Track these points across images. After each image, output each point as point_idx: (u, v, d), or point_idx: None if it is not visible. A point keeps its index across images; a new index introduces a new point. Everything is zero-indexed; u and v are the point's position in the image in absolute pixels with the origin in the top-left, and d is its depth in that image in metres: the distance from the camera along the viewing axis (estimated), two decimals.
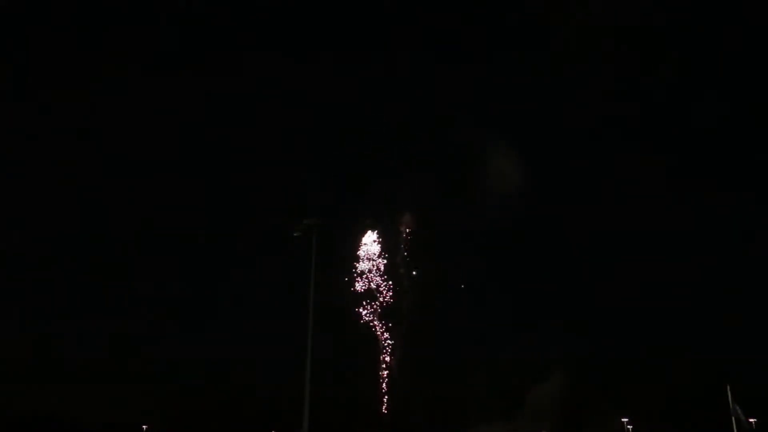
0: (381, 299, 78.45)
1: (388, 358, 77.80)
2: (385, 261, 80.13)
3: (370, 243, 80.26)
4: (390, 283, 79.00)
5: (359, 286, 78.86)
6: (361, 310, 77.72)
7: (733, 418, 56.50)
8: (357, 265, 79.70)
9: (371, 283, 78.65)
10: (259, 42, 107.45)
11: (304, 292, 33.96)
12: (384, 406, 75.81)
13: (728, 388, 56.79)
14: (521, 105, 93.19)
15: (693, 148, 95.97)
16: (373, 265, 79.39)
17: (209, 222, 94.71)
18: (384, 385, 76.38)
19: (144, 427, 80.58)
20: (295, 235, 34.11)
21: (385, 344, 77.48)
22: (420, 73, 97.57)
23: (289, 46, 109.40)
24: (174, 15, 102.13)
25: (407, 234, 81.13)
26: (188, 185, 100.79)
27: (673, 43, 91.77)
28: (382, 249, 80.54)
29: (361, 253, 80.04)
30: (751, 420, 64.91)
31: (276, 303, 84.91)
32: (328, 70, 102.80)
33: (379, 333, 77.49)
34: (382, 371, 76.50)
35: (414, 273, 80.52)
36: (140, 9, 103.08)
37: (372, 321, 77.39)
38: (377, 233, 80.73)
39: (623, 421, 76.15)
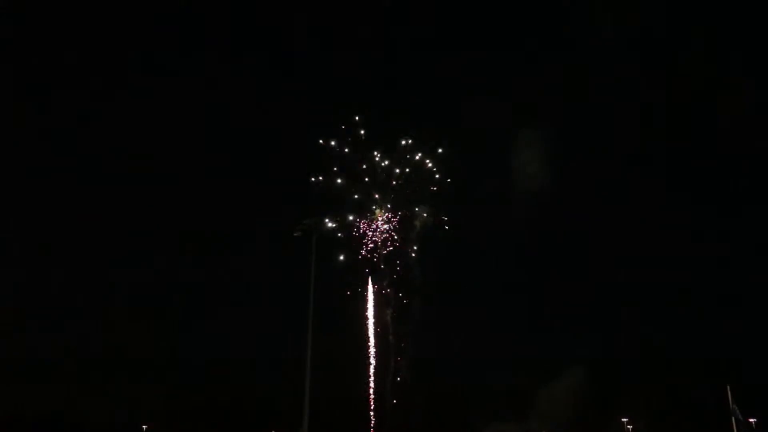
0: (390, 296, 76.89)
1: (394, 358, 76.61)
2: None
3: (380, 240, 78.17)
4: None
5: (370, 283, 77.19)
6: (369, 315, 76.23)
7: (733, 418, 56.58)
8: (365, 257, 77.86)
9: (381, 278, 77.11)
10: (257, 43, 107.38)
11: (305, 291, 34.00)
12: (388, 406, 75.18)
13: (728, 388, 56.86)
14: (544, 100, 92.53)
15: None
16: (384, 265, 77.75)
17: (209, 221, 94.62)
18: (389, 385, 75.52)
19: (144, 427, 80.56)
20: (295, 234, 34.17)
21: (395, 344, 76.26)
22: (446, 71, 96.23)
23: (287, 45, 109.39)
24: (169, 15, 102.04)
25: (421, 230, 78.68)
26: (187, 184, 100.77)
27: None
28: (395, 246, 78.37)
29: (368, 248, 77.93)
30: (751, 420, 64.99)
31: (277, 303, 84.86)
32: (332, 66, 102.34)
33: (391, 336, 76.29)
34: (388, 372, 75.59)
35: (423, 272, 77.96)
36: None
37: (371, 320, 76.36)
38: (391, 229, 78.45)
39: (623, 421, 76.19)
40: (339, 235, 75.81)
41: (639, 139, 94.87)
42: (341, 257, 75.19)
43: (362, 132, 77.18)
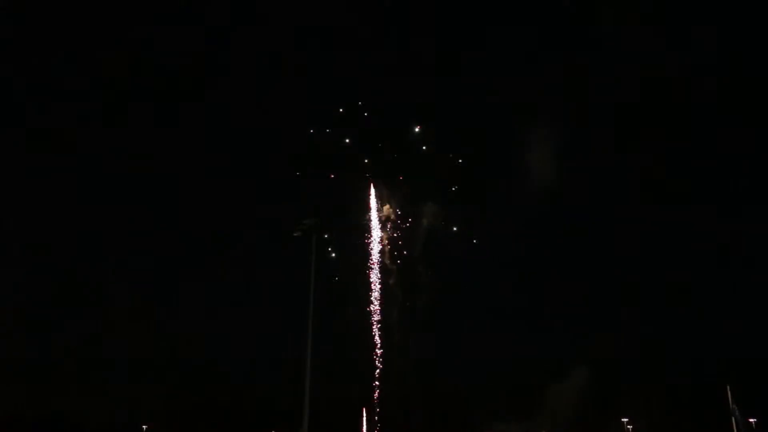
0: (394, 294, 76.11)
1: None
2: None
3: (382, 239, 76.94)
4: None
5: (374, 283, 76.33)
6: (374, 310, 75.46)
7: (733, 418, 56.68)
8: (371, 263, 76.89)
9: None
10: (257, 43, 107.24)
11: (305, 291, 33.97)
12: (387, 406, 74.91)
13: (728, 388, 56.97)
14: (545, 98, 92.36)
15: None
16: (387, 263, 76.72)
17: (209, 221, 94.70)
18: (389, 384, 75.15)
19: (144, 427, 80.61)
20: (295, 235, 34.12)
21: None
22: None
23: (287, 45, 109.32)
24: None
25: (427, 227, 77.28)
26: (188, 183, 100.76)
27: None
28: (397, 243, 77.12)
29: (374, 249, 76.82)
30: (751, 420, 65.07)
31: (277, 303, 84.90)
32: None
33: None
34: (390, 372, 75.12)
35: (429, 272, 75.89)
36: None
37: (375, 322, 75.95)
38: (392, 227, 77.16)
39: (623, 421, 76.20)
40: (331, 252, 72.32)
41: (639, 139, 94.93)
42: (336, 278, 72.96)
43: (365, 114, 72.32)
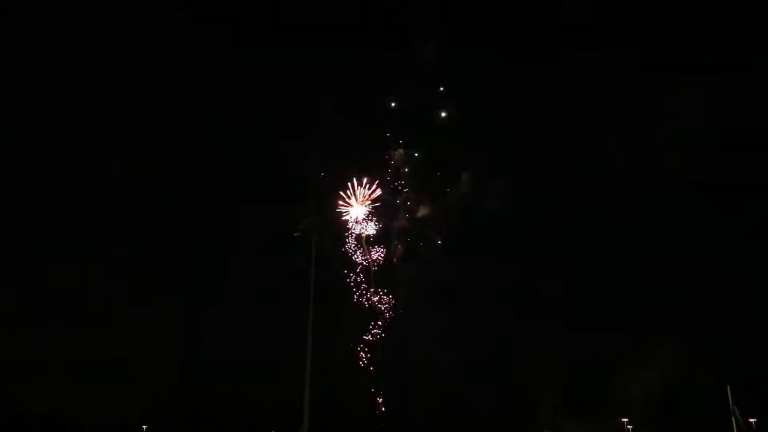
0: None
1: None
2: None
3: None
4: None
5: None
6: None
7: (733, 418, 56.70)
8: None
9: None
10: (257, 43, 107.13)
11: (304, 292, 34.01)
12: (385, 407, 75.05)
13: (728, 388, 56.95)
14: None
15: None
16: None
17: (209, 221, 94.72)
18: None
19: (144, 427, 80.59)
20: (295, 234, 34.18)
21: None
22: None
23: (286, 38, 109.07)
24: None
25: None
26: (188, 182, 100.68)
27: None
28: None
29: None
30: (751, 420, 65.07)
31: (277, 303, 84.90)
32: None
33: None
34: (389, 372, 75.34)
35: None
36: None
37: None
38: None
39: (623, 421, 76.07)
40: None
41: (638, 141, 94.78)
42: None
43: None
